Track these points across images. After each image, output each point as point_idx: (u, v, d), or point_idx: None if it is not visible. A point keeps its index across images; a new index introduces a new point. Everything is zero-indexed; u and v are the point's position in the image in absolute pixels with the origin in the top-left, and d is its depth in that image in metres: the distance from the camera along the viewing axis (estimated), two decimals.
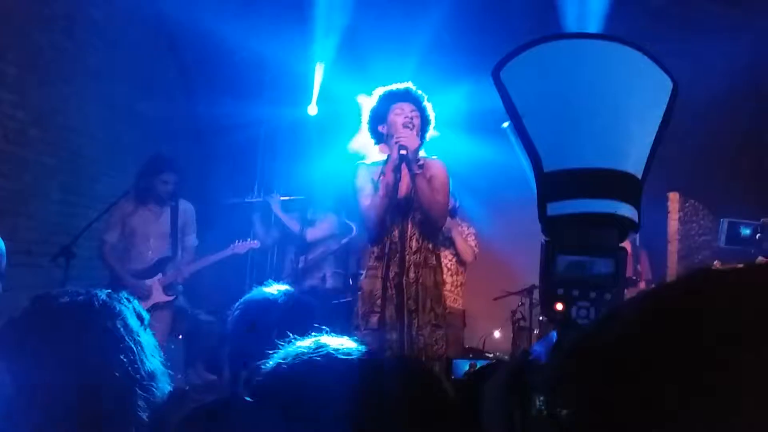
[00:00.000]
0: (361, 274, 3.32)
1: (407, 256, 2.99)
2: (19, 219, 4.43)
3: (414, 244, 3.04)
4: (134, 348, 1.09)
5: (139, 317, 1.17)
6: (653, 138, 0.81)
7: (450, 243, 4.86)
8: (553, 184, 0.78)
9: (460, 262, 4.91)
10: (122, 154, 5.30)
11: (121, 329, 1.10)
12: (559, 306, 0.77)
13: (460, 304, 4.94)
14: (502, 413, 0.77)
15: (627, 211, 0.78)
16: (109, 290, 1.16)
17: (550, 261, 0.78)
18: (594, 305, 0.76)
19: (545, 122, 0.80)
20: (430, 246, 3.14)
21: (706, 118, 5.20)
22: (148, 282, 4.20)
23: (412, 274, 2.97)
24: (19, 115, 4.40)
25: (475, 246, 4.93)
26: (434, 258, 3.16)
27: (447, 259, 4.88)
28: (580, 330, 0.76)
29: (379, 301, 2.98)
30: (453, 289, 4.87)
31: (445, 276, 4.81)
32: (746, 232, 4.16)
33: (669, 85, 0.82)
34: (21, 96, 4.38)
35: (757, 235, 4.14)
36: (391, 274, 2.97)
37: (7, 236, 4.26)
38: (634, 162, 0.80)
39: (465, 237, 4.91)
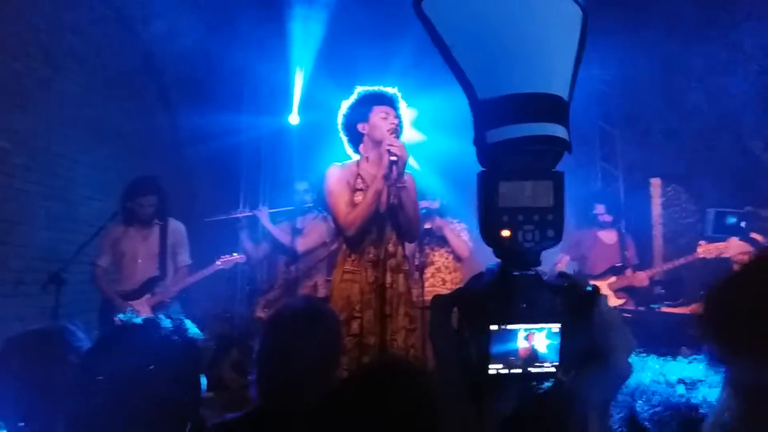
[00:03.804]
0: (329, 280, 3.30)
1: (385, 261, 2.98)
2: (8, 248, 4.42)
3: (390, 248, 3.04)
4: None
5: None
6: (573, 63, 0.83)
7: (444, 242, 4.92)
8: (489, 112, 0.80)
9: (457, 258, 4.98)
10: (107, 176, 5.30)
11: None
12: (506, 232, 0.77)
13: None
14: (455, 348, 0.79)
15: (562, 132, 0.79)
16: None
17: (491, 189, 0.78)
18: (538, 228, 0.78)
19: (473, 52, 0.81)
20: (404, 252, 3.15)
21: (683, 104, 5.28)
22: (136, 303, 4.21)
23: (388, 279, 2.96)
24: (1, 143, 4.39)
25: (469, 240, 4.98)
26: (406, 263, 3.18)
27: (443, 257, 4.96)
28: (527, 253, 0.77)
29: (358, 306, 2.97)
30: (452, 286, 4.90)
31: (443, 275, 4.92)
32: (732, 220, 4.28)
33: (579, 13, 0.85)
34: (2, 124, 4.38)
35: (742, 223, 4.24)
36: (371, 279, 2.98)
37: None
38: (560, 85, 0.81)
39: (458, 234, 4.96)
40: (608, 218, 5.01)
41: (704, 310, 0.87)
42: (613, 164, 6.59)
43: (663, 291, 4.96)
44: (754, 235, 4.30)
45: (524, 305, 0.77)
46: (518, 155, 0.79)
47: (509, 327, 0.77)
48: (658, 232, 5.92)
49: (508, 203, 0.78)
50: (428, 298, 4.83)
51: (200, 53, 6.04)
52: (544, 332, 0.78)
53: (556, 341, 0.78)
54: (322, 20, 5.89)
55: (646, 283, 4.80)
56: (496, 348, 0.77)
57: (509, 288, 0.78)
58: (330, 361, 1.74)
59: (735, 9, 4.60)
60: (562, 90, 0.81)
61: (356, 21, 5.72)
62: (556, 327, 0.78)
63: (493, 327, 0.77)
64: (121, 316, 1.52)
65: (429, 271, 4.91)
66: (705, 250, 4.43)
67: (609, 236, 5.04)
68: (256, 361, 1.73)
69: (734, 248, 4.28)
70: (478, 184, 0.80)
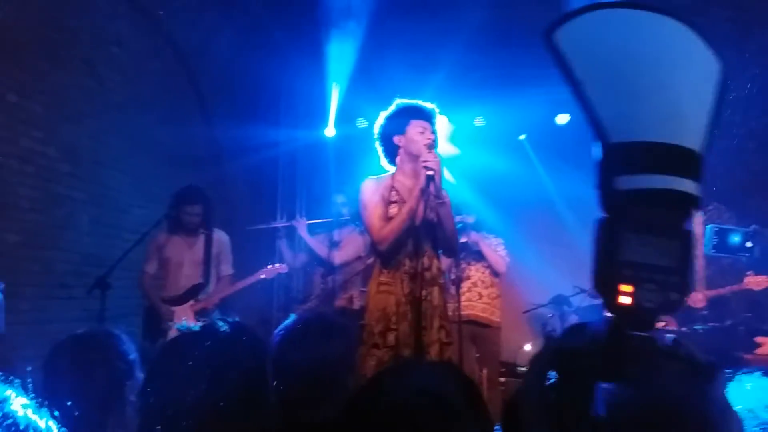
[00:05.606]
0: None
1: (422, 274, 2.96)
2: (54, 252, 4.52)
3: (426, 261, 3.02)
4: None
5: None
6: (709, 116, 0.78)
7: (480, 256, 4.89)
8: (620, 156, 0.74)
9: (494, 273, 4.94)
10: (148, 183, 5.40)
11: None
12: (627, 287, 0.71)
13: (498, 316, 4.91)
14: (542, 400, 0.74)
15: (693, 188, 0.75)
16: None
17: (613, 239, 0.72)
18: (661, 288, 0.71)
19: (606, 90, 0.77)
20: (440, 265, 3.13)
21: (726, 119, 5.19)
22: (180, 309, 4.26)
23: (423, 292, 2.94)
24: (48, 151, 4.51)
25: (506, 255, 4.95)
26: (442, 277, 3.15)
27: (480, 272, 4.91)
28: (645, 314, 0.71)
29: (394, 318, 2.96)
30: (490, 301, 4.89)
31: (480, 289, 4.87)
32: (736, 239, 3.96)
33: (717, 64, 0.80)
34: (49, 133, 4.49)
35: (747, 243, 3.95)
36: (406, 291, 2.97)
37: (44, 269, 4.39)
38: (696, 139, 0.77)
39: (494, 248, 4.93)
40: None
41: None
42: None
43: (706, 312, 4.85)
44: None
45: (634, 369, 0.71)
46: (647, 207, 0.73)
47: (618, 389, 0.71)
48: (699, 251, 5.80)
49: (632, 257, 0.72)
50: (465, 312, 4.78)
51: (237, 66, 6.13)
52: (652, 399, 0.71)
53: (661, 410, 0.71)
54: (360, 33, 5.93)
55: (702, 304, 4.62)
56: (602, 410, 0.70)
57: (621, 348, 0.72)
58: (343, 374, 1.72)
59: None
60: (696, 143, 0.76)
61: (394, 34, 5.76)
62: (663, 396, 0.71)
63: (603, 386, 0.71)
64: (179, 325, 1.55)
65: (465, 286, 4.86)
66: (754, 281, 4.19)
67: None
68: (273, 374, 1.72)
69: None
70: (597, 231, 0.75)
